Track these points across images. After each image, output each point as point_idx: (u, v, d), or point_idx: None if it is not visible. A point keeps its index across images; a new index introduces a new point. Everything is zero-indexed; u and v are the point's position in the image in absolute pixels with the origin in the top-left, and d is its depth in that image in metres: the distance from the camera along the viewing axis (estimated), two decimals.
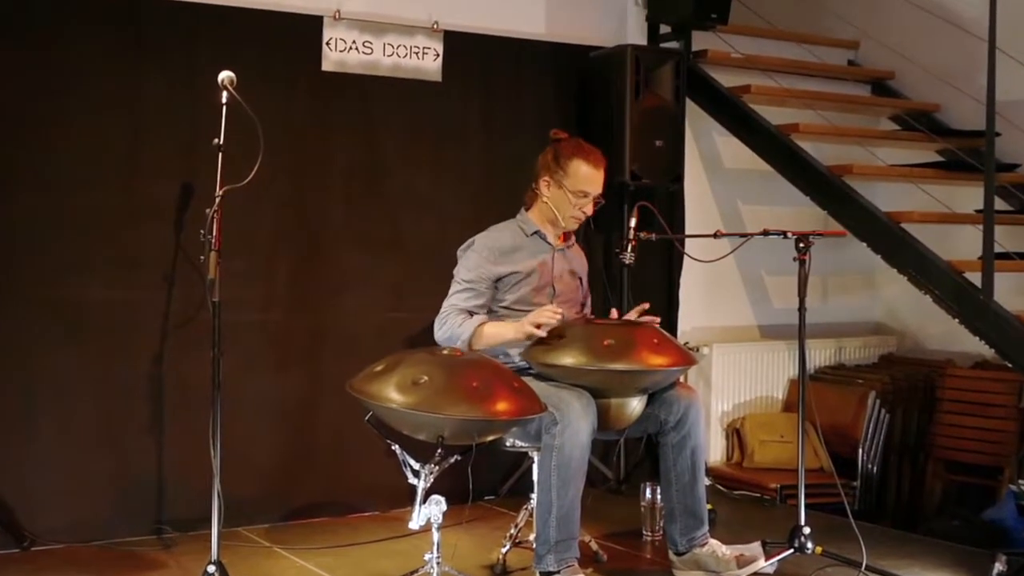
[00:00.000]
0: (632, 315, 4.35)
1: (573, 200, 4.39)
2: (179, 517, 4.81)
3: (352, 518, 5.18)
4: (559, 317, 4.10)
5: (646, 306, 4.34)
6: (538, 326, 4.07)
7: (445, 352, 3.79)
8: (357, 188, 5.28)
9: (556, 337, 4.10)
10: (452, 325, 4.23)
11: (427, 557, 3.79)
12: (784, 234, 4.40)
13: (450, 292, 4.35)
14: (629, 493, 5.46)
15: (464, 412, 3.54)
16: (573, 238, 4.65)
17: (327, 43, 5.16)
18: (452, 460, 3.76)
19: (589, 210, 4.45)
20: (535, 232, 4.46)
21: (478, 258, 4.35)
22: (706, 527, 4.35)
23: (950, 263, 5.06)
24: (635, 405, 4.18)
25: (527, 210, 4.53)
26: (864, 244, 5.43)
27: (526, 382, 3.92)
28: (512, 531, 4.40)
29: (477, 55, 5.55)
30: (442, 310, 4.31)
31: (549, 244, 4.47)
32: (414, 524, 3.69)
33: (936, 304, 5.10)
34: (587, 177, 4.39)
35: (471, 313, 4.27)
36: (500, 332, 4.22)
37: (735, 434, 6.12)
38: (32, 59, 4.60)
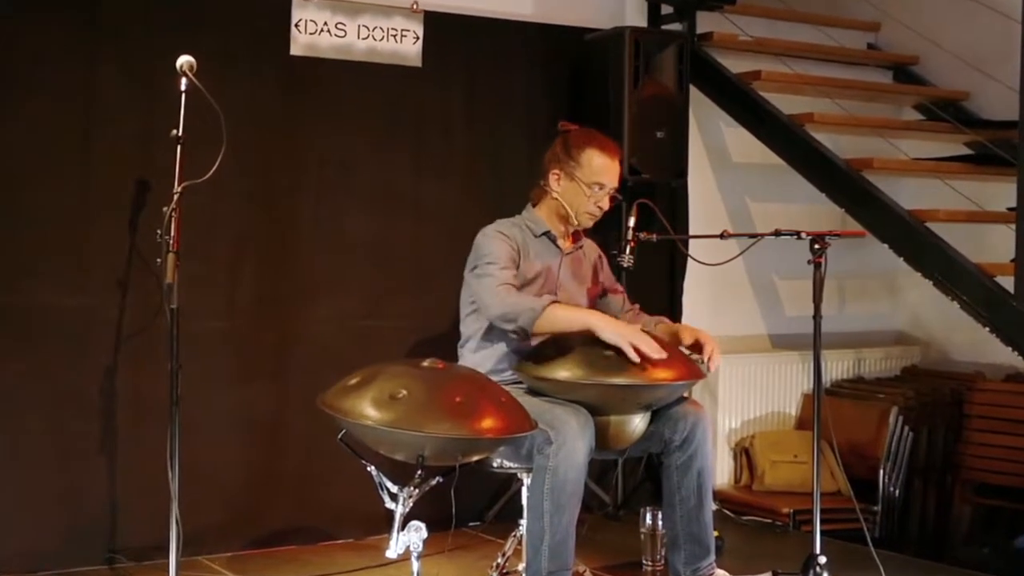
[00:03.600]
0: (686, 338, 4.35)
1: (588, 193, 4.37)
2: (133, 545, 4.81)
3: (324, 546, 5.19)
4: (662, 356, 4.00)
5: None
6: (634, 348, 3.95)
7: (426, 364, 3.79)
8: (329, 184, 5.29)
9: (549, 348, 4.10)
10: (518, 298, 4.12)
11: None
12: (798, 234, 4.40)
13: (489, 272, 4.22)
14: (628, 519, 5.47)
15: (447, 430, 3.54)
16: (583, 238, 4.62)
17: (296, 25, 5.17)
18: (433, 482, 3.76)
19: (605, 204, 4.42)
20: (544, 233, 4.44)
21: (499, 242, 4.29)
22: (712, 556, 4.36)
23: (979, 266, 5.08)
24: (638, 423, 4.18)
25: (534, 207, 4.51)
26: (885, 245, 5.45)
27: (516, 398, 3.92)
28: (499, 560, 4.40)
29: (461, 38, 5.57)
30: (494, 285, 4.18)
31: (558, 248, 4.46)
32: (392, 553, 3.69)
33: (964, 311, 5.12)
34: (602, 167, 4.37)
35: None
36: (580, 317, 4.11)
37: (744, 454, 6.13)
38: None
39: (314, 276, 5.26)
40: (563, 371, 4.03)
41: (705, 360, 4.27)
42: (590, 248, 4.65)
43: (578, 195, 4.38)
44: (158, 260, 3.86)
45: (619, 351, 3.96)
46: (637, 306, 4.67)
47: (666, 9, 6.10)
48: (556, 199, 4.41)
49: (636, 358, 3.93)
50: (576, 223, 4.44)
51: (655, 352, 3.96)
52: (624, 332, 4.02)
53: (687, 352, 4.30)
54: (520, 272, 4.31)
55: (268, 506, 5.16)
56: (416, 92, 5.45)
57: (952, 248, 5.19)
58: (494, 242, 4.31)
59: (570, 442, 3.93)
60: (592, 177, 4.36)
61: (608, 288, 4.65)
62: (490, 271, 4.24)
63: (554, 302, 4.12)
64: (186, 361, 3.90)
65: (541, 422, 3.88)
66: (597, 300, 4.60)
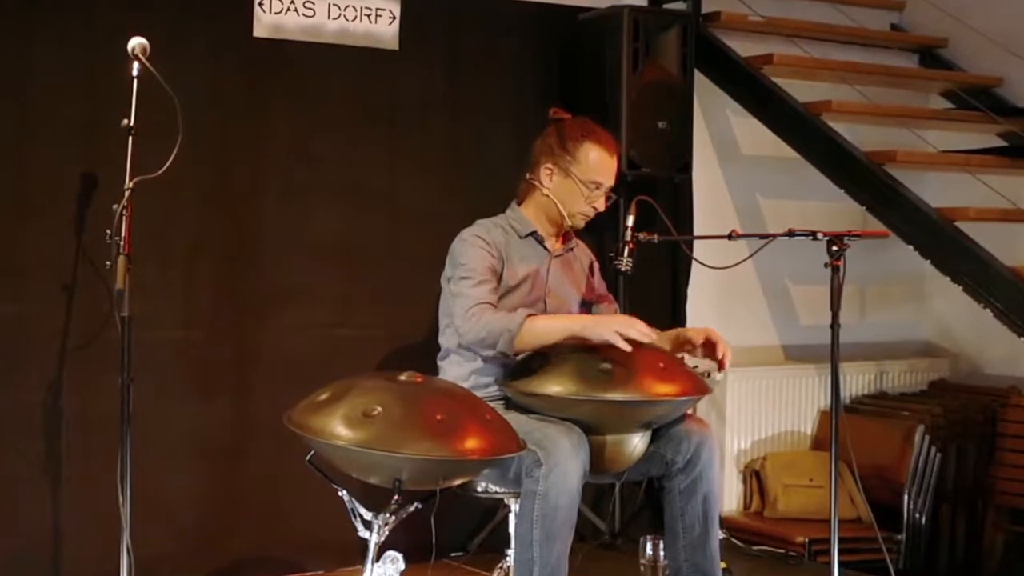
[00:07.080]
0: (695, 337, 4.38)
1: (584, 192, 4.38)
2: None
3: None
4: (651, 339, 4.07)
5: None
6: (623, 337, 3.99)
7: (403, 378, 3.80)
8: (296, 179, 5.30)
9: (539, 360, 4.11)
10: (493, 320, 4.10)
11: None
12: (814, 235, 4.41)
13: (462, 290, 4.21)
14: (626, 548, 5.48)
15: (426, 450, 3.56)
16: (574, 239, 4.62)
17: (259, 3, 5.17)
18: (412, 509, 3.78)
19: (601, 205, 4.42)
20: (530, 233, 4.44)
21: (476, 250, 4.27)
22: None
23: (1014, 269, 5.11)
24: (636, 443, 4.18)
25: (520, 204, 4.51)
26: (910, 247, 5.47)
27: (503, 415, 3.93)
28: None
29: (441, 18, 5.59)
30: (466, 307, 4.15)
31: (545, 249, 4.46)
32: None
33: (997, 319, 5.15)
34: (600, 164, 4.38)
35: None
36: (560, 325, 4.13)
37: (754, 477, 6.15)
38: None
39: (279, 281, 5.26)
40: (554, 386, 4.02)
41: (719, 359, 4.30)
42: (582, 251, 4.66)
43: (572, 193, 4.38)
44: (108, 263, 3.87)
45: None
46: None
47: None
48: (547, 196, 4.41)
49: (627, 347, 3.96)
50: (568, 223, 4.45)
51: (645, 335, 4.01)
52: (609, 324, 4.05)
53: (699, 353, 4.31)
54: (503, 280, 4.31)
55: (229, 534, 5.16)
56: (392, 78, 5.46)
57: (984, 250, 5.21)
58: (470, 250, 4.29)
59: (562, 464, 3.93)
60: (589, 175, 4.37)
61: (597, 298, 4.65)
62: (463, 289, 4.22)
63: (531, 315, 4.12)
64: (138, 375, 3.91)
65: (530, 442, 3.88)
66: (592, 308, 4.61)
